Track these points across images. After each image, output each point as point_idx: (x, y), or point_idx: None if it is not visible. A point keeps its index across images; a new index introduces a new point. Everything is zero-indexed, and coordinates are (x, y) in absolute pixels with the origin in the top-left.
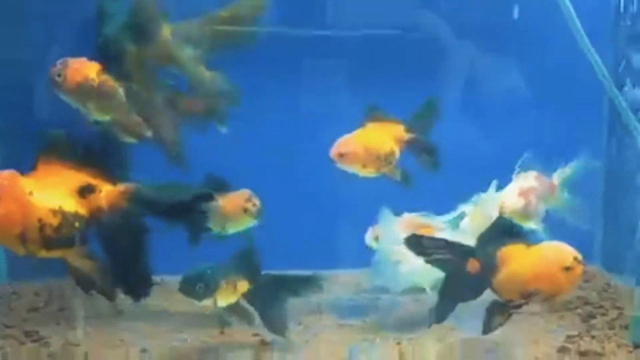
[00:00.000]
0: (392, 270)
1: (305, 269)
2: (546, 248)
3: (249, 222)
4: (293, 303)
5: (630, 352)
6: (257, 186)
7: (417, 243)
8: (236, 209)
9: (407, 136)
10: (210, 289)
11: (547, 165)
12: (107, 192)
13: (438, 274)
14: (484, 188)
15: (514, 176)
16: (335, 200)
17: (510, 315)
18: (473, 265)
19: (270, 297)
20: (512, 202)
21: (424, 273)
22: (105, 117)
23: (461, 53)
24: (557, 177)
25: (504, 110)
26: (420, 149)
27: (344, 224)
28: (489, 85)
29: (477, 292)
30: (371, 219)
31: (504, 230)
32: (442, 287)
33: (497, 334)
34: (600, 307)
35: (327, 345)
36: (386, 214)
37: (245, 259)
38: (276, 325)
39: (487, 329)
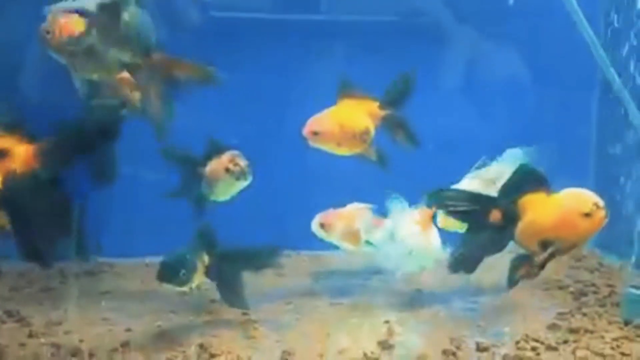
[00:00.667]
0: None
1: (297, 250)
2: (566, 195)
3: (235, 184)
4: (284, 283)
5: (622, 329)
6: None
7: (441, 196)
8: (219, 170)
9: (382, 113)
10: (190, 273)
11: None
12: (18, 153)
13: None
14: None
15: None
16: (313, 181)
17: (534, 269)
18: (495, 216)
19: (227, 270)
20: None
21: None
22: (93, 76)
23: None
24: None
25: (495, 93)
26: (395, 125)
27: (326, 204)
28: (481, 69)
29: (500, 245)
30: (354, 199)
31: (525, 179)
32: (466, 239)
33: (485, 310)
34: (592, 285)
35: (316, 323)
36: (398, 202)
37: (205, 236)
38: (234, 298)
39: (511, 282)
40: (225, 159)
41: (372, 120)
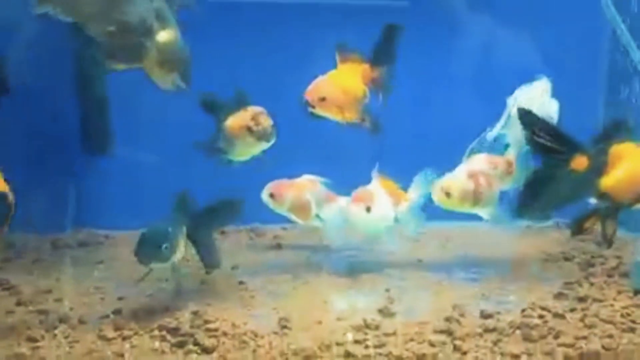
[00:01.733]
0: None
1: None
2: None
3: (256, 145)
4: (284, 256)
5: (631, 297)
6: None
7: (529, 118)
8: (240, 128)
9: (373, 74)
10: (173, 247)
11: None
12: None
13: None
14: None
15: (464, 159)
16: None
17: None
18: (579, 162)
19: (200, 231)
20: (461, 183)
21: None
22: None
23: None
24: (512, 153)
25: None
26: (382, 85)
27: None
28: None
29: (579, 193)
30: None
31: (615, 128)
32: (538, 183)
33: (489, 281)
34: (600, 256)
35: (314, 292)
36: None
37: (185, 205)
38: (211, 258)
39: (576, 231)
40: (247, 115)
41: (366, 84)
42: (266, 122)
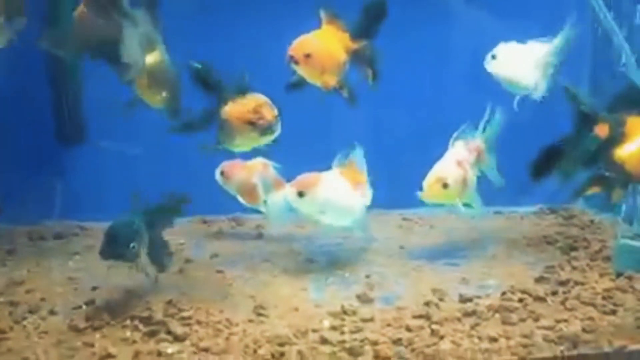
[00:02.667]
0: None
1: None
2: None
3: (259, 139)
4: (265, 245)
5: (613, 280)
6: None
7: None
8: (240, 121)
9: (353, 46)
10: (140, 245)
11: None
12: None
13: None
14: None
15: (450, 146)
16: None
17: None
18: (602, 129)
19: (151, 230)
20: (453, 173)
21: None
22: None
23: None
24: (480, 140)
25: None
26: (364, 60)
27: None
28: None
29: (593, 160)
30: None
31: (633, 100)
32: (563, 142)
33: (470, 265)
34: (584, 239)
35: (293, 280)
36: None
37: (138, 202)
38: (160, 258)
39: (577, 194)
40: (249, 106)
41: (346, 52)
42: (270, 114)
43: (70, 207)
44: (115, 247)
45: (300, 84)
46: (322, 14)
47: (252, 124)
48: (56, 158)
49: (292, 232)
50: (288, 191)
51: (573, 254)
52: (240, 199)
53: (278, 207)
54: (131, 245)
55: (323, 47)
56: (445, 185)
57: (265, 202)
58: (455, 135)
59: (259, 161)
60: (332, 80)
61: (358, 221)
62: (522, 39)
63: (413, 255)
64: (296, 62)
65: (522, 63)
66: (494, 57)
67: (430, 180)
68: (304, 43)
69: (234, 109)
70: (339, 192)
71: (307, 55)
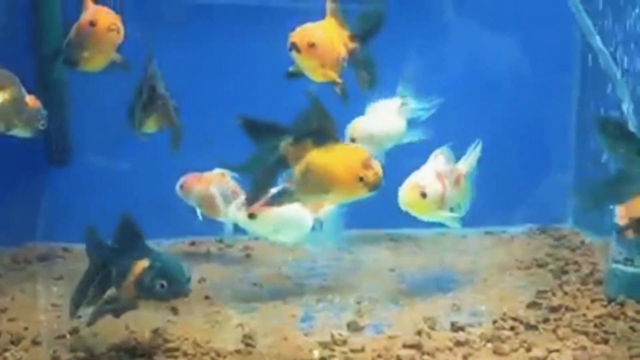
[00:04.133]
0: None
1: None
2: None
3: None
4: (253, 268)
5: (605, 306)
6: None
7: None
8: (349, 175)
9: (350, 45)
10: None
11: None
12: None
13: None
14: None
15: (431, 158)
16: None
17: None
18: None
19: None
20: (432, 183)
21: None
22: None
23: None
24: (463, 167)
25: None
26: (359, 62)
27: None
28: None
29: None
30: None
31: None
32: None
33: (461, 290)
34: (574, 263)
35: (282, 306)
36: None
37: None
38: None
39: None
40: (356, 160)
41: (346, 49)
42: (379, 168)
43: (55, 228)
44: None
45: (296, 75)
46: (328, 6)
47: (361, 180)
48: (42, 178)
49: (280, 253)
50: (238, 214)
51: (564, 277)
52: (200, 211)
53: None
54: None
55: (327, 38)
56: (423, 195)
57: (225, 213)
58: (436, 151)
59: (216, 172)
60: (330, 75)
61: (311, 236)
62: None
63: (403, 278)
64: (298, 50)
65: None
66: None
67: (407, 187)
68: (308, 31)
69: (333, 162)
70: (290, 209)
71: (311, 45)
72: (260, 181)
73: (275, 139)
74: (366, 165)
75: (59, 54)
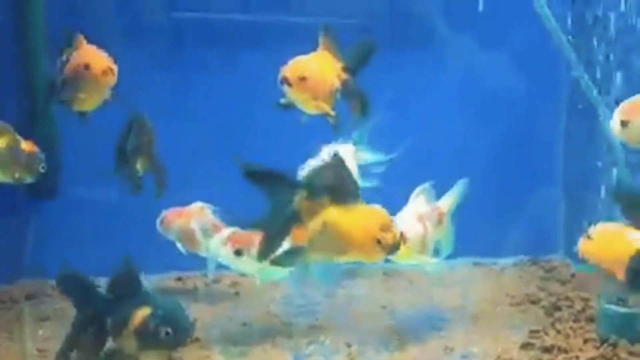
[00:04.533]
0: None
1: None
2: None
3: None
4: (242, 306)
5: (597, 347)
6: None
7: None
8: (366, 237)
9: (343, 76)
10: None
11: None
12: None
13: None
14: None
15: (411, 199)
16: None
17: None
18: None
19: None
20: (413, 227)
21: None
22: None
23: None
24: (444, 205)
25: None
26: (352, 92)
27: None
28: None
29: None
30: None
31: None
32: None
33: (453, 331)
34: (566, 298)
35: (271, 349)
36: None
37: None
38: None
39: None
40: (375, 222)
41: (339, 81)
42: (396, 230)
43: (43, 263)
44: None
45: (288, 107)
46: (321, 38)
47: (379, 242)
48: (28, 213)
49: (269, 289)
50: (223, 251)
51: (557, 314)
52: (181, 246)
53: (216, 254)
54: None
55: (318, 72)
56: (403, 240)
57: (206, 247)
58: (417, 190)
59: (196, 206)
60: (322, 107)
61: (295, 274)
62: None
63: (395, 317)
64: (289, 84)
65: None
66: None
67: None
68: (299, 64)
69: (352, 222)
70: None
71: (302, 78)
72: (273, 238)
73: (288, 193)
74: (385, 228)
75: (52, 93)
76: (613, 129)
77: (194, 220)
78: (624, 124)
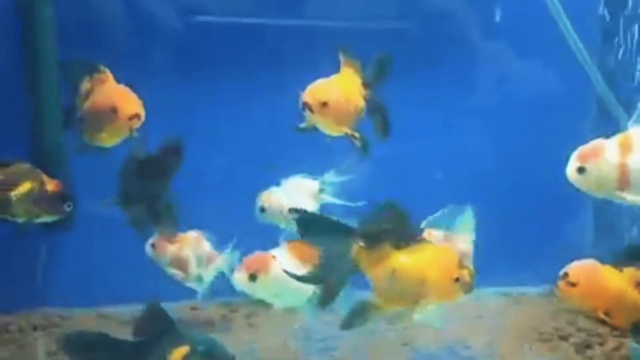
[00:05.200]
0: None
1: None
2: None
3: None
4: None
5: None
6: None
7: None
8: (444, 276)
9: (364, 92)
10: None
11: None
12: None
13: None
14: None
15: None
16: None
17: None
18: None
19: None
20: None
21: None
22: None
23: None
24: (462, 244)
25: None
26: (374, 109)
27: None
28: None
29: None
30: None
31: None
32: None
33: None
34: (597, 334)
35: None
36: None
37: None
38: None
39: None
40: (452, 260)
41: (363, 99)
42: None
43: (50, 293)
44: None
45: (308, 130)
46: (341, 56)
47: (457, 280)
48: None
49: (287, 320)
50: (237, 276)
51: (588, 352)
52: (172, 274)
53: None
54: None
55: (341, 94)
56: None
57: (199, 277)
58: (425, 222)
59: (191, 233)
60: (346, 130)
61: (310, 302)
62: None
63: (417, 353)
64: (311, 110)
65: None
66: None
67: None
68: (320, 89)
69: (426, 264)
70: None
71: (324, 104)
72: (332, 289)
73: (344, 243)
74: (461, 265)
75: (68, 123)
76: (569, 175)
77: (188, 248)
78: (580, 170)
